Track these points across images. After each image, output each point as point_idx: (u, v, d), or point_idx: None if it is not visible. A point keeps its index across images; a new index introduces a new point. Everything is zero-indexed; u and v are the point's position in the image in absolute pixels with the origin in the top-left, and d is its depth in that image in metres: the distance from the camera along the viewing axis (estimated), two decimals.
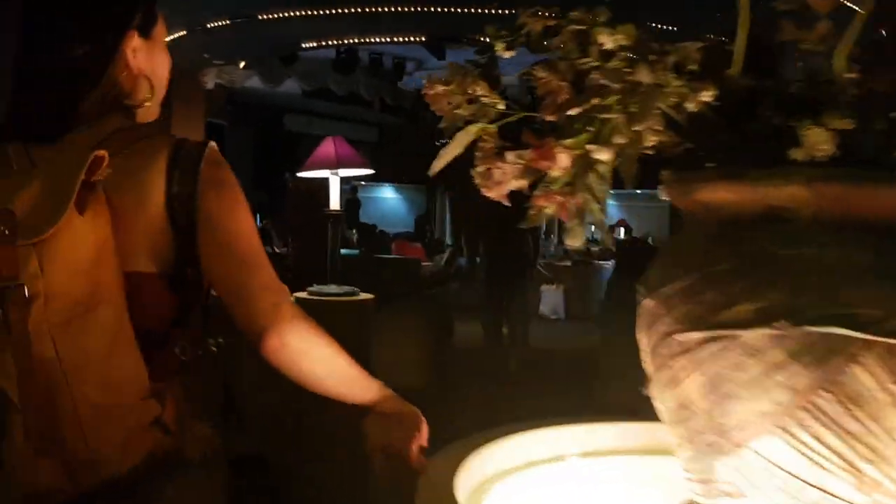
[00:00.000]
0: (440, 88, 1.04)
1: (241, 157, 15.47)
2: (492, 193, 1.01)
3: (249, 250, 1.19)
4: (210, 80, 12.31)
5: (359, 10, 8.96)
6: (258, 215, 14.55)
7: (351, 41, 10.66)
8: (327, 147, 3.50)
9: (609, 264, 9.80)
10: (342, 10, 9.02)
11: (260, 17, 9.28)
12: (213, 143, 1.19)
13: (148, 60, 1.19)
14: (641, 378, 1.03)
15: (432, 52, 10.67)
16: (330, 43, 10.74)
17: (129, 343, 1.04)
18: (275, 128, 16.22)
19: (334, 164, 3.39)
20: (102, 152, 0.99)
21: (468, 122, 1.03)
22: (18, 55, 1.11)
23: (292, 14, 9.19)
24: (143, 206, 1.10)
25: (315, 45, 10.69)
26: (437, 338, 5.55)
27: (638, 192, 20.25)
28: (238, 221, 1.19)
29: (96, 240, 0.99)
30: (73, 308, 0.96)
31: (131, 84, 1.17)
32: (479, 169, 1.00)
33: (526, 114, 1.01)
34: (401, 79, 12.39)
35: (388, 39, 10.36)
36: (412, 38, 10.27)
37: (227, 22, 9.50)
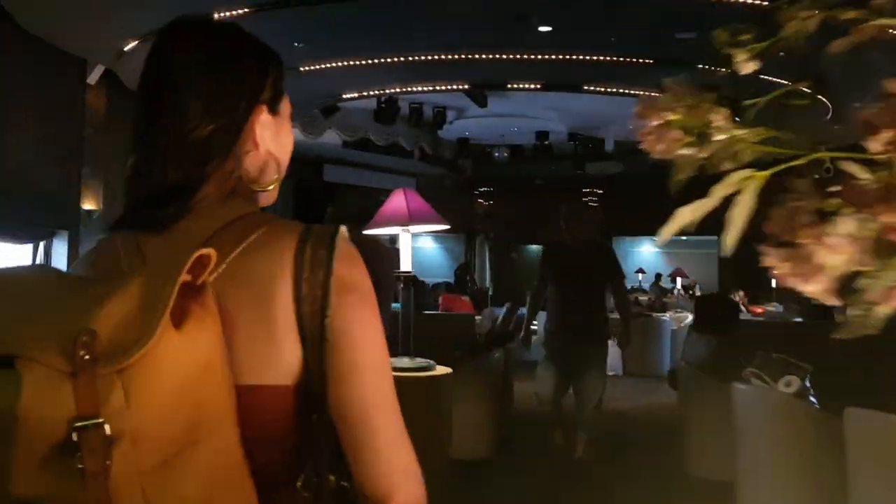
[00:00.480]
0: (664, 115, 0.69)
1: (281, 209, 15.36)
2: (813, 288, 0.64)
3: (376, 395, 0.96)
4: None
5: (399, 59, 8.79)
6: None
7: (391, 91, 10.48)
8: (398, 200, 3.12)
9: (666, 317, 9.36)
10: (383, 59, 8.86)
11: (301, 69, 9.16)
12: (343, 230, 0.98)
13: (274, 138, 1.06)
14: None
15: (474, 99, 10.47)
16: (370, 93, 10.57)
17: (241, 483, 0.85)
18: (314, 179, 16.13)
19: (406, 220, 3.04)
20: (208, 251, 0.82)
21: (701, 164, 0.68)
22: (138, 129, 1.00)
23: (333, 65, 9.04)
24: (266, 311, 0.92)
25: (356, 95, 10.54)
26: (498, 403, 5.16)
27: (684, 237, 19.90)
28: (368, 349, 0.97)
29: (201, 357, 0.81)
30: (169, 447, 0.78)
31: (257, 164, 1.04)
32: (791, 253, 0.64)
33: (835, 154, 0.65)
34: (441, 128, 12.22)
35: (429, 88, 10.16)
36: (454, 87, 10.06)
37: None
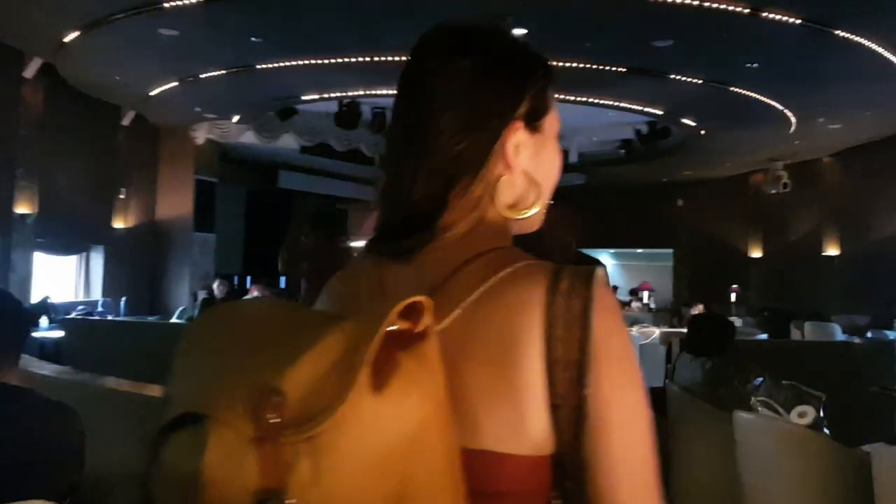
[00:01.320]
0: None
1: (233, 216, 14.75)
2: None
3: (635, 485, 0.80)
4: (201, 135, 11.69)
5: (364, 59, 8.35)
6: (247, 279, 13.77)
7: (354, 93, 10.03)
8: None
9: (634, 331, 9.06)
10: (346, 59, 8.42)
11: (258, 68, 8.66)
12: (600, 272, 0.80)
13: (533, 159, 0.90)
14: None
15: None
16: (331, 95, 10.11)
17: None
18: (268, 185, 15.54)
19: None
20: (421, 298, 0.69)
21: None
22: (390, 144, 0.91)
23: (292, 64, 8.56)
24: (509, 371, 0.78)
25: (316, 97, 10.06)
26: None
27: (640, 250, 19.86)
28: (634, 430, 0.81)
29: (409, 423, 0.67)
30: None
31: (511, 188, 0.89)
32: None
33: None
34: None
35: (395, 92, 9.73)
36: None
37: (222, 72, 8.88)
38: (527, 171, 0.89)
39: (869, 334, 10.46)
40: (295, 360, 0.66)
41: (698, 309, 12.25)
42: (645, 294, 14.36)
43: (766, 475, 3.41)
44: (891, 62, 7.86)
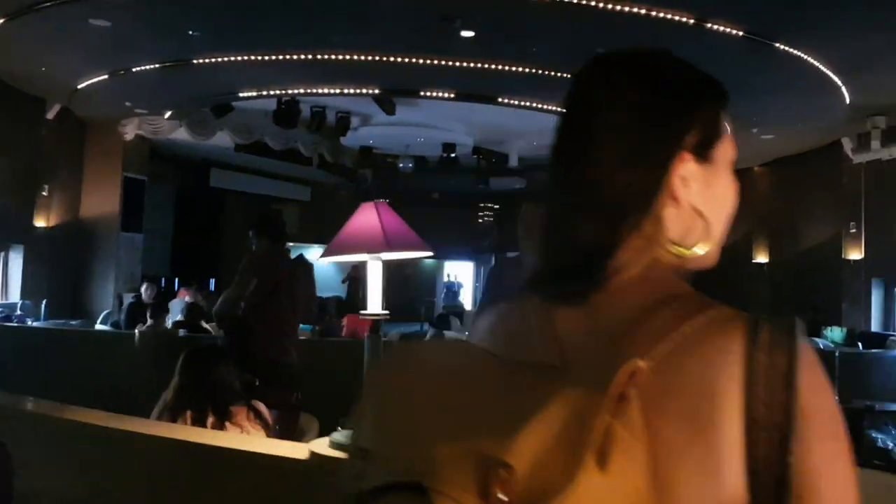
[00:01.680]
0: None
1: (162, 215, 14.22)
2: None
3: None
4: (130, 131, 11.20)
5: (306, 56, 8.11)
6: (175, 281, 13.28)
7: (294, 91, 9.75)
8: (368, 218, 2.25)
9: None
10: (287, 56, 8.15)
11: (194, 62, 8.32)
12: (800, 324, 0.72)
13: (703, 192, 0.83)
14: None
15: (382, 106, 9.91)
16: (270, 92, 9.81)
17: None
18: (200, 184, 15.06)
19: (381, 245, 2.21)
20: (641, 365, 0.66)
21: None
22: (552, 179, 0.86)
23: (231, 59, 8.25)
24: (705, 432, 0.71)
25: (254, 94, 9.74)
26: None
27: None
28: (843, 501, 0.72)
29: (627, 498, 0.64)
30: None
31: (679, 223, 0.82)
32: None
33: None
34: (344, 134, 11.56)
35: (336, 91, 9.50)
36: (363, 91, 9.45)
37: (155, 66, 8.50)
38: (695, 204, 0.82)
39: None
40: (518, 430, 0.64)
41: None
42: None
43: None
44: (826, 76, 8.06)
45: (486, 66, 8.12)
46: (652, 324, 0.75)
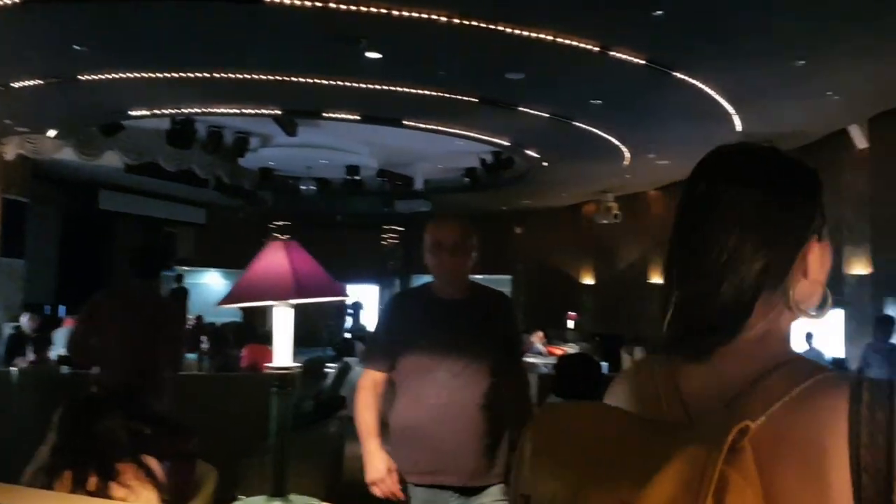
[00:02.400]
0: None
1: (45, 240, 13.33)
2: None
3: None
4: (10, 150, 10.44)
5: (202, 74, 7.75)
6: (60, 309, 12.44)
7: (189, 110, 9.32)
8: (277, 260, 2.01)
9: None
10: (181, 73, 7.77)
11: (80, 79, 7.81)
12: None
13: (822, 265, 0.97)
14: None
15: (283, 127, 9.61)
16: (163, 111, 9.34)
17: None
18: (87, 207, 14.22)
19: (291, 291, 1.95)
20: (750, 424, 0.77)
21: None
22: (678, 263, 0.96)
23: (121, 76, 7.80)
24: (816, 479, 0.82)
25: (146, 113, 9.25)
26: (331, 492, 4.28)
27: (478, 276, 20.11)
28: None
29: None
30: None
31: (802, 292, 0.95)
32: None
33: None
34: (242, 155, 11.15)
35: (234, 111, 9.14)
36: (262, 111, 9.13)
37: (39, 82, 7.93)
38: (816, 277, 0.95)
39: None
40: (651, 480, 0.75)
41: (538, 336, 12.45)
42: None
43: None
44: (720, 105, 8.33)
45: (392, 88, 7.98)
46: (770, 385, 0.87)
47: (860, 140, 9.71)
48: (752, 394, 0.86)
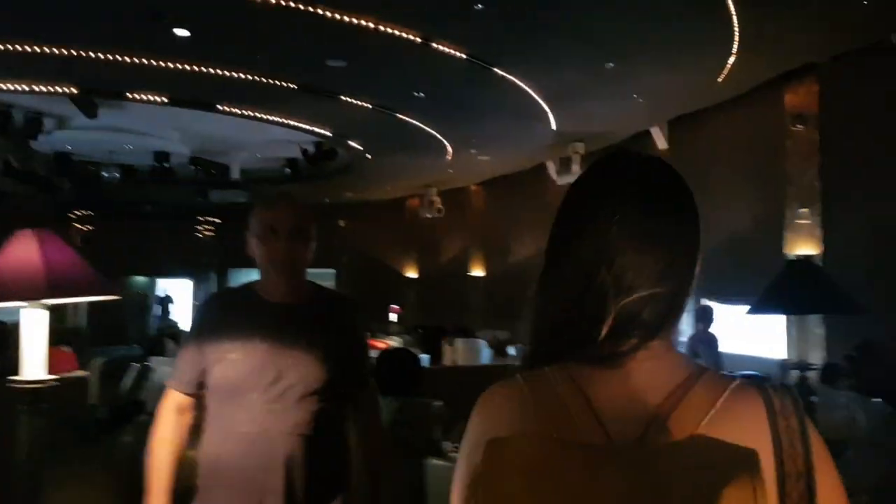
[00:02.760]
0: None
1: None
2: None
3: None
4: None
5: None
6: None
7: None
8: (25, 251, 1.63)
9: None
10: None
11: None
12: (800, 405, 0.89)
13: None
14: None
15: (82, 108, 8.77)
16: None
17: None
18: None
19: (43, 289, 1.59)
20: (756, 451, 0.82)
21: None
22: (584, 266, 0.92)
23: None
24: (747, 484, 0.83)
25: None
26: None
27: None
28: None
29: None
30: None
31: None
32: None
33: None
34: (35, 138, 10.08)
35: (24, 88, 8.23)
36: (57, 89, 8.28)
37: None
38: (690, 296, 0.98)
39: (511, 349, 11.36)
40: None
41: None
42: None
43: None
44: (537, 102, 8.59)
45: (204, 69, 7.50)
46: (690, 399, 0.86)
47: (661, 141, 10.40)
48: (679, 406, 0.85)
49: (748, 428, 0.85)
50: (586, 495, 0.77)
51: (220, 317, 2.19)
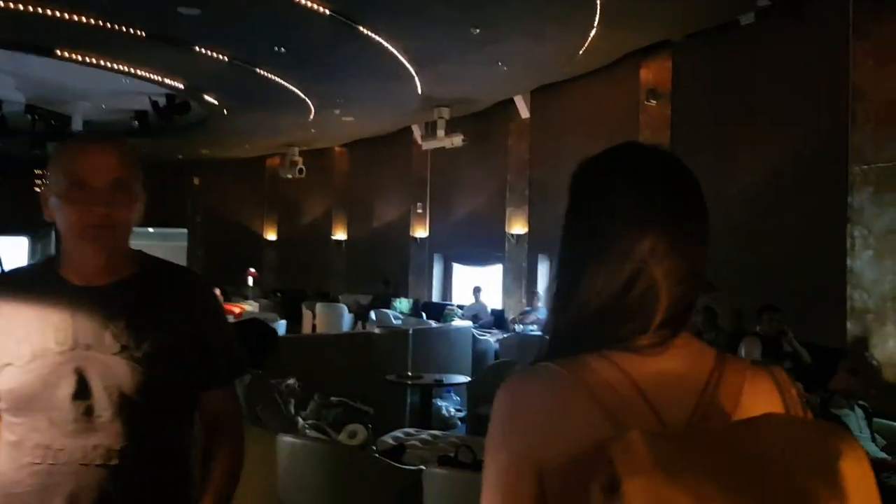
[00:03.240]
0: None
1: None
2: None
3: None
4: None
5: None
6: None
7: None
8: None
9: None
10: None
11: None
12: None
13: None
14: None
15: None
16: None
17: None
18: None
19: None
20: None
21: None
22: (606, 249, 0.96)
23: None
24: None
25: None
26: None
27: (151, 229, 18.66)
28: None
29: None
30: None
31: None
32: None
33: None
34: None
35: None
36: None
37: None
38: None
39: (372, 314, 11.32)
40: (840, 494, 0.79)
41: (216, 293, 11.89)
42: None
43: (311, 500, 3.15)
44: (403, 65, 8.45)
45: (40, 10, 6.82)
46: (725, 378, 0.94)
47: (524, 110, 10.55)
48: (718, 386, 0.92)
49: (769, 401, 0.94)
50: (717, 479, 0.78)
51: (4, 309, 1.54)
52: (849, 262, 5.85)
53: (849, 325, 5.81)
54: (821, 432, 0.85)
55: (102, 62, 8.62)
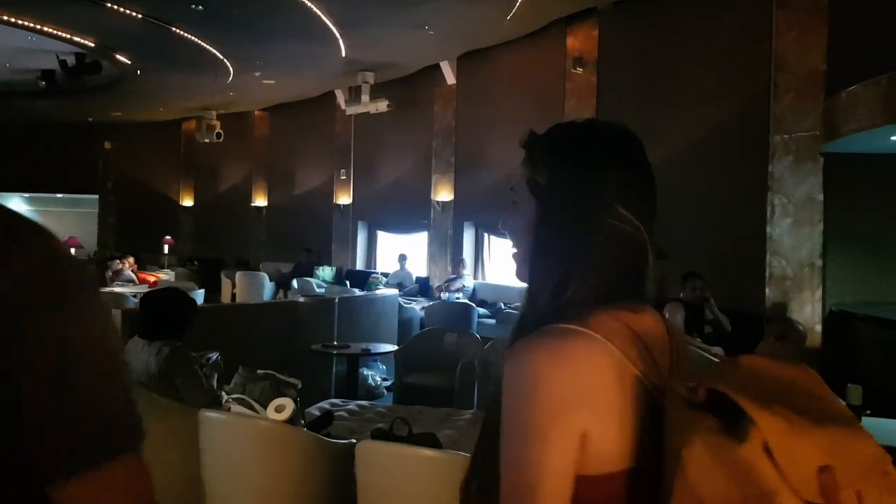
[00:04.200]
0: None
1: None
2: None
3: None
4: None
5: None
6: None
7: None
8: None
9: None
10: None
11: None
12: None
13: None
14: None
15: None
16: None
17: None
18: None
19: None
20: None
21: None
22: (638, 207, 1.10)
23: None
24: None
25: None
26: None
27: (60, 195, 17.80)
28: None
29: None
30: None
31: None
32: None
33: None
34: None
35: None
36: None
37: None
38: None
39: (295, 282, 11.09)
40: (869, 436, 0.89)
41: (128, 262, 11.39)
42: (72, 251, 12.84)
43: (237, 479, 3.03)
44: (327, 27, 8.19)
45: None
46: (673, 336, 1.08)
47: (450, 76, 10.42)
48: (673, 336, 1.07)
49: (676, 339, 1.08)
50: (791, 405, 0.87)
51: None
52: (768, 229, 6.02)
53: (767, 291, 6.00)
54: (780, 364, 0.95)
55: (5, 17, 8.05)
